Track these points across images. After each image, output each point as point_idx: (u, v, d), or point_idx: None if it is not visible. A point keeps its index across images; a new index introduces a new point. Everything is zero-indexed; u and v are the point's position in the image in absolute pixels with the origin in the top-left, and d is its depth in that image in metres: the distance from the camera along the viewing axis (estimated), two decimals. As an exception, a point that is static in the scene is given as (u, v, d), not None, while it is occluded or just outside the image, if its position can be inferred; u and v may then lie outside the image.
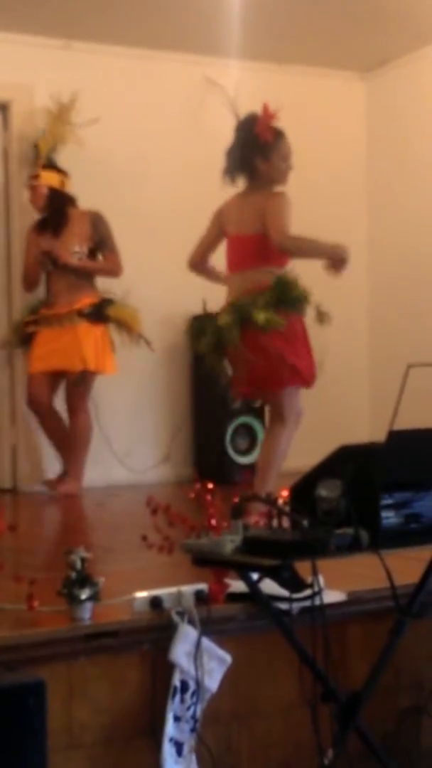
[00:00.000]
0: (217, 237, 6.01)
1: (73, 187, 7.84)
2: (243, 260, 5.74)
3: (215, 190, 8.54)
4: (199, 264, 6.13)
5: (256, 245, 5.66)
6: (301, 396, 5.84)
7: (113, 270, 7.58)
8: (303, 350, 5.71)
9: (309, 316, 5.78)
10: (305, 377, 5.72)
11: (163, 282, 8.26)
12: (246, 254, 5.72)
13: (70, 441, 7.45)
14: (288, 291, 5.59)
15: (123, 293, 7.71)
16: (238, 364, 5.68)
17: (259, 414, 8.29)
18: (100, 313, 7.48)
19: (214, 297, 8.23)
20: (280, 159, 5.74)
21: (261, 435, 8.28)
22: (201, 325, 5.99)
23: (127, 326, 7.62)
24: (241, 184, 5.86)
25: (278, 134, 5.74)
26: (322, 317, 5.76)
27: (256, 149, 5.70)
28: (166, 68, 8.44)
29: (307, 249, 5.67)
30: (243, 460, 8.22)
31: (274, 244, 5.54)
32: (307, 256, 5.71)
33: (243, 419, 8.28)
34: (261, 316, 5.48)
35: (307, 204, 8.74)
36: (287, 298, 5.59)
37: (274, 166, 5.72)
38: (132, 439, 8.25)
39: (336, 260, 5.70)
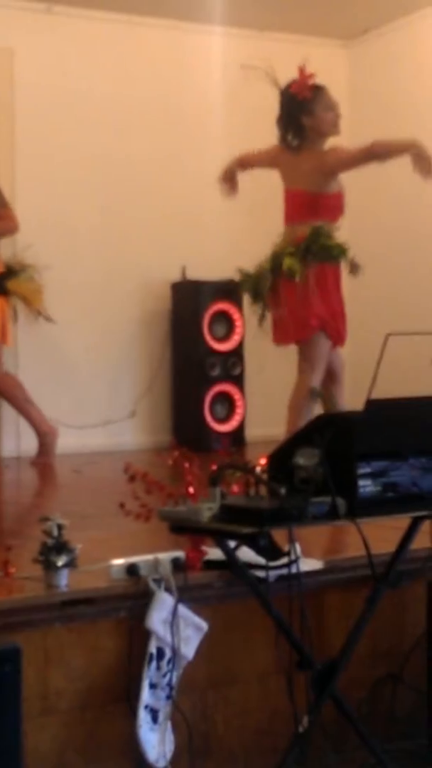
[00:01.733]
0: (264, 162, 6.27)
1: (53, 150, 7.81)
2: (294, 214, 6.02)
3: (196, 154, 8.55)
4: (239, 166, 6.41)
5: (307, 201, 5.95)
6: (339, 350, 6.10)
7: (9, 227, 7.18)
8: (330, 299, 5.94)
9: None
10: (330, 328, 5.88)
11: (143, 249, 8.24)
12: (297, 209, 5.98)
13: (16, 407, 7.39)
14: (317, 240, 5.83)
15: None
16: (272, 312, 5.96)
17: (238, 381, 8.29)
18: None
19: (194, 263, 8.25)
20: (324, 110, 5.99)
21: (239, 402, 8.29)
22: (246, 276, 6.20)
23: (27, 301, 7.50)
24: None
25: (316, 88, 6.00)
26: (354, 269, 5.98)
27: (298, 107, 5.97)
28: (147, 33, 8.38)
29: (386, 148, 5.90)
30: (221, 427, 8.22)
31: (366, 161, 5.89)
32: (392, 152, 5.91)
33: (221, 386, 8.27)
34: (286, 262, 5.78)
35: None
36: (316, 247, 5.83)
37: (320, 118, 5.98)
38: (110, 405, 8.24)
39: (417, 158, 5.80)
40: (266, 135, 8.62)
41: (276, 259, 5.95)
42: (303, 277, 5.81)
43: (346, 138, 8.95)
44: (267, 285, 5.89)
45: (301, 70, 5.98)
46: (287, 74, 8.57)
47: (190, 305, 8.30)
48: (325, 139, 6.00)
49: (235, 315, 8.32)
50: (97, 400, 8.17)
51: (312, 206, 5.93)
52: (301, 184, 5.95)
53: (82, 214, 8.07)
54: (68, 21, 8.08)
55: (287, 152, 6.07)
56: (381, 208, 8.73)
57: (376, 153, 5.88)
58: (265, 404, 8.33)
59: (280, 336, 6.13)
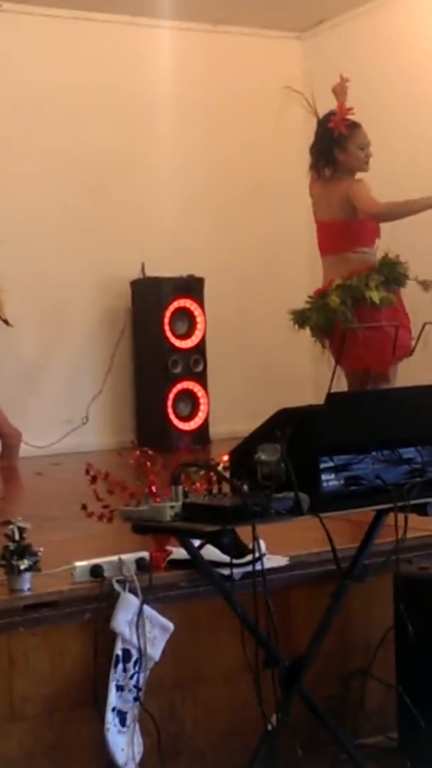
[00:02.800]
0: None
1: (8, 148, 7.76)
2: (335, 244, 6.14)
3: (153, 150, 8.52)
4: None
5: (345, 230, 6.06)
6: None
7: None
8: (407, 321, 5.98)
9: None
10: (407, 347, 5.90)
11: (101, 246, 8.20)
12: (337, 238, 6.10)
13: None
14: (394, 269, 5.98)
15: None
16: (352, 341, 5.84)
17: (201, 378, 8.26)
18: None
19: (153, 261, 8.22)
20: (356, 148, 6.12)
21: (203, 400, 8.26)
22: (303, 312, 6.20)
23: None
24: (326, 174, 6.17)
25: (353, 126, 6.11)
26: (426, 286, 6.05)
27: (333, 142, 6.10)
28: (102, 29, 8.34)
29: (399, 211, 6.06)
30: (185, 425, 8.18)
31: (370, 219, 6.01)
32: (402, 216, 6.09)
33: (184, 384, 8.23)
34: (375, 295, 5.86)
35: (246, 165, 8.72)
36: (394, 276, 5.99)
37: (352, 156, 6.11)
38: (72, 405, 8.19)
39: None
40: (222, 131, 8.63)
41: (351, 292, 5.96)
42: (393, 304, 5.96)
43: (302, 131, 8.98)
44: (349, 319, 5.87)
45: (341, 105, 6.14)
46: (241, 68, 8.61)
47: (151, 302, 8.26)
48: (354, 174, 6.14)
49: (197, 311, 8.29)
50: (58, 401, 8.12)
51: (346, 233, 6.06)
52: (337, 214, 6.09)
53: (39, 213, 8.03)
54: (22, 18, 8.02)
55: (319, 183, 6.21)
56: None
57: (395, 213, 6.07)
58: (229, 401, 8.32)
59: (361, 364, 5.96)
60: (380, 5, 8.36)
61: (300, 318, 6.20)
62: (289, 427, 2.96)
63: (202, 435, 8.17)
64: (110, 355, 8.37)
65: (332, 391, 3.08)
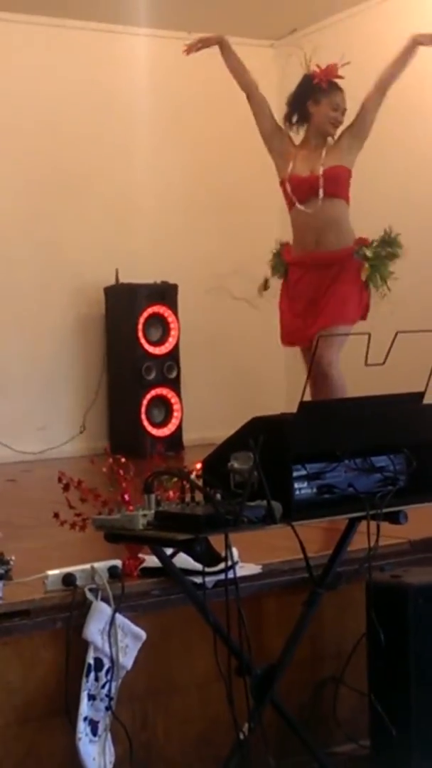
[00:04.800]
0: None
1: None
2: None
3: (127, 157, 8.51)
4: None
5: None
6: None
7: None
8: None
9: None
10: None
11: (75, 253, 8.19)
12: None
13: None
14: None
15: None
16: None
17: (174, 385, 8.25)
18: None
19: (128, 267, 8.20)
20: (329, 105, 5.83)
21: (176, 406, 8.25)
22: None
23: None
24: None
25: (334, 85, 5.85)
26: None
27: (309, 91, 5.84)
28: (76, 36, 8.32)
29: (393, 72, 5.90)
30: (158, 431, 8.17)
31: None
32: (398, 74, 5.92)
33: (158, 390, 8.22)
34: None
35: (221, 169, 8.72)
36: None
37: (322, 112, 5.82)
38: (45, 412, 8.16)
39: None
40: (197, 139, 8.63)
41: None
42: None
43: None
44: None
45: (335, 64, 5.91)
46: (215, 76, 8.60)
47: (125, 309, 8.25)
48: (323, 137, 5.84)
49: (170, 318, 8.28)
50: (31, 407, 8.09)
51: None
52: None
53: (12, 219, 8.00)
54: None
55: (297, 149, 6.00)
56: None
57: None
58: (203, 408, 8.31)
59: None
60: (352, 15, 8.40)
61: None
62: (262, 435, 2.96)
63: (175, 441, 8.16)
64: (84, 361, 8.35)
65: (305, 399, 3.07)
